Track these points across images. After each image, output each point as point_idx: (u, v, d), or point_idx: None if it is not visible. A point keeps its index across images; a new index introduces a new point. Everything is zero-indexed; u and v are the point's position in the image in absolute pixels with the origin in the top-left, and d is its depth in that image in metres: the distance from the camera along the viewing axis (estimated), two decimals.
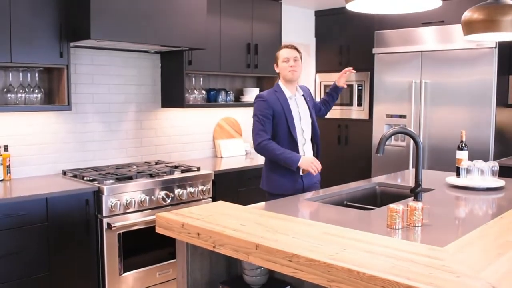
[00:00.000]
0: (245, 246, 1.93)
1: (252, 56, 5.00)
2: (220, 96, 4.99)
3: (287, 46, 3.55)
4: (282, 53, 3.52)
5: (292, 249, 1.79)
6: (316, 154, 3.63)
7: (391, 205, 2.28)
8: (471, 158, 3.66)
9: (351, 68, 3.80)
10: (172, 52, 4.50)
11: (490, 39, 3.24)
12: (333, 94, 3.84)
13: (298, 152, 3.43)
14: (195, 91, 4.78)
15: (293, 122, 3.44)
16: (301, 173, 3.45)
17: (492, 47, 4.84)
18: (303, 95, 3.58)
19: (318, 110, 3.85)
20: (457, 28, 4.98)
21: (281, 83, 3.56)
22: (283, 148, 3.37)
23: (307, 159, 3.37)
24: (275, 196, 3.34)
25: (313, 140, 3.61)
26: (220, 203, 2.59)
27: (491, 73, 4.87)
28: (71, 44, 3.78)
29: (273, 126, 3.43)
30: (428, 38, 5.24)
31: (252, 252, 1.90)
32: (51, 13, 3.60)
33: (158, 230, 2.35)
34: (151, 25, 3.83)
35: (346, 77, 3.80)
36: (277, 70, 3.58)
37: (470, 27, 3.05)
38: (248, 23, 4.99)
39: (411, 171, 4.18)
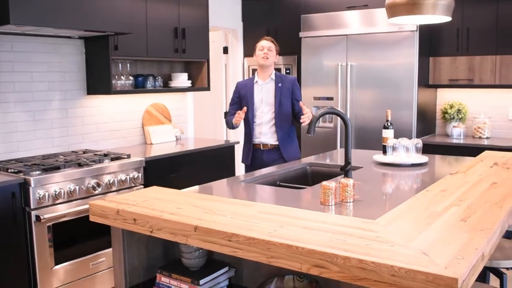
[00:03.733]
0: (183, 229, 1.92)
1: (179, 40, 4.95)
2: (148, 82, 4.91)
3: (265, 38, 4.19)
4: (260, 43, 4.15)
5: (231, 229, 1.80)
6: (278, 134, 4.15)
7: (324, 183, 2.34)
8: (395, 137, 3.82)
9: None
10: (97, 37, 4.37)
11: (412, 22, 3.37)
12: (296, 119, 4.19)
13: (252, 127, 4.14)
14: (122, 77, 4.68)
15: (253, 105, 4.11)
16: (261, 148, 4.14)
17: (413, 30, 5.04)
18: (275, 81, 4.10)
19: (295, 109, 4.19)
20: (380, 12, 5.14)
21: (256, 73, 4.20)
22: (230, 117, 4.16)
23: (234, 117, 4.02)
24: (247, 167, 4.18)
25: (277, 122, 4.10)
26: (154, 188, 2.56)
27: (412, 56, 5.08)
28: None
29: (241, 108, 4.08)
30: (352, 21, 5.38)
31: (190, 234, 1.90)
32: None
33: (92, 218, 2.29)
34: (74, 9, 3.69)
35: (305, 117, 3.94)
36: (255, 58, 4.19)
37: (393, 10, 3.16)
38: (175, 7, 4.92)
39: (339, 151, 4.30)
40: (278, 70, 6.11)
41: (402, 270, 1.41)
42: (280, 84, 4.11)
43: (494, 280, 3.31)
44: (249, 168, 4.20)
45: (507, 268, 2.54)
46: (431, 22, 3.39)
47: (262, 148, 4.15)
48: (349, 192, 2.38)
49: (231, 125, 4.15)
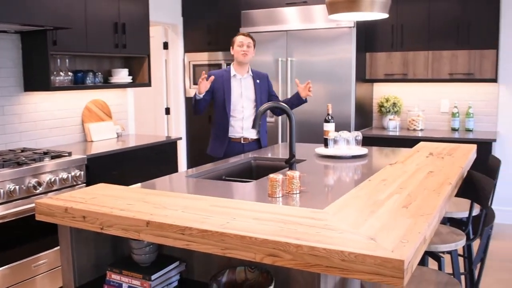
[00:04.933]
0: (135, 224, 1.93)
1: (120, 35, 4.88)
2: (88, 78, 4.83)
3: (243, 34, 4.19)
4: (238, 38, 4.14)
5: (183, 223, 1.82)
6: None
7: (271, 175, 2.40)
8: (336, 130, 3.93)
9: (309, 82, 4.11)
10: (35, 32, 4.25)
11: (351, 18, 3.48)
12: (292, 101, 4.21)
13: (229, 122, 4.13)
14: (61, 73, 4.57)
15: (230, 98, 4.12)
16: (242, 142, 4.17)
17: (351, 27, 5.19)
18: (253, 77, 4.20)
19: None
20: (319, 9, 5.26)
21: (232, 65, 4.20)
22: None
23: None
24: (217, 159, 4.01)
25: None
26: (102, 185, 2.54)
27: (350, 51, 5.23)
28: None
29: (212, 98, 4.14)
30: (292, 18, 5.48)
31: (142, 229, 1.91)
32: None
33: (39, 217, 2.25)
34: (10, 2, 3.58)
35: (307, 89, 4.08)
36: (232, 53, 4.18)
37: (334, 7, 3.26)
38: (115, 1, 4.85)
39: (281, 145, 4.38)
40: (219, 65, 6.14)
41: (352, 255, 1.48)
42: (258, 81, 4.22)
43: (432, 264, 3.48)
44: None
45: (444, 252, 2.69)
46: (370, 18, 3.52)
47: (242, 142, 4.18)
48: (295, 184, 2.45)
49: (194, 102, 4.07)
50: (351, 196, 2.19)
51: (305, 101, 4.18)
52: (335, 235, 1.64)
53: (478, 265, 2.66)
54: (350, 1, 3.13)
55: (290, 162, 2.98)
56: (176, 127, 6.55)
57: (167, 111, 6.61)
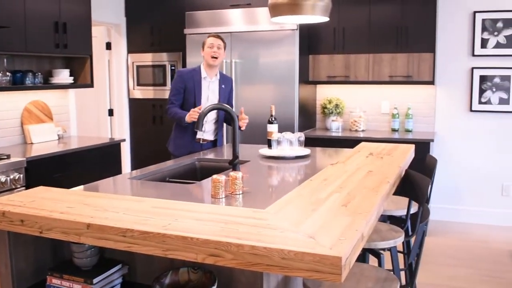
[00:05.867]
0: (75, 227, 1.90)
1: (60, 35, 4.77)
2: (27, 78, 4.69)
3: (213, 35, 4.08)
4: (208, 40, 4.04)
5: (125, 225, 1.81)
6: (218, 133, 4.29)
7: (214, 176, 2.41)
8: (279, 131, 3.99)
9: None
10: None
11: (293, 21, 3.54)
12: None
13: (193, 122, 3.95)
14: None
15: (200, 101, 4.04)
16: (201, 142, 4.15)
17: (294, 29, 5.26)
18: (219, 81, 4.14)
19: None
20: (263, 11, 5.31)
21: (202, 65, 4.09)
22: (180, 111, 3.99)
23: (188, 114, 3.89)
24: (175, 156, 4.03)
25: (219, 123, 4.22)
26: (41, 188, 2.49)
27: (293, 53, 5.31)
28: None
29: (183, 99, 4.05)
30: (236, 19, 5.51)
31: (83, 232, 1.89)
32: None
33: None
34: None
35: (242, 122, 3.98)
36: (202, 54, 4.07)
37: (276, 10, 3.30)
38: (56, 0, 4.73)
39: (226, 146, 4.39)
40: (163, 67, 6.10)
41: (292, 253, 1.51)
42: (223, 86, 4.17)
43: (373, 261, 3.58)
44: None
45: (384, 249, 2.77)
46: (311, 21, 3.58)
47: (201, 142, 4.17)
48: (238, 184, 2.47)
49: (179, 120, 3.99)
50: (293, 195, 2.23)
51: (240, 130, 4.10)
52: (276, 234, 1.67)
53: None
54: (292, 4, 3.18)
55: (234, 163, 3.00)
56: (120, 129, 6.46)
57: (111, 112, 6.51)
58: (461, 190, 5.71)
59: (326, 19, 3.40)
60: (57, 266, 2.32)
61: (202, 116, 2.98)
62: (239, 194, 2.48)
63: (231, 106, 4.34)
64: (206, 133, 4.18)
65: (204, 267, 2.01)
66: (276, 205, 2.05)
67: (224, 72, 5.56)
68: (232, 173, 2.50)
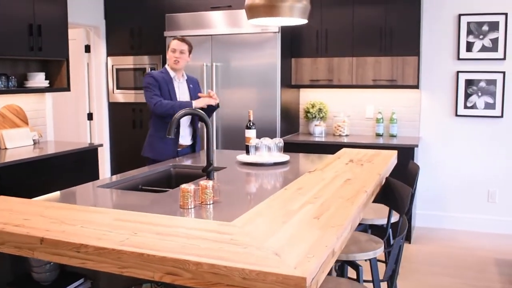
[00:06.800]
0: (28, 242, 1.77)
1: (35, 38, 4.63)
2: (1, 82, 4.54)
3: (178, 38, 4.05)
4: (172, 44, 4.02)
5: (79, 239, 1.69)
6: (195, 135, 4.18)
7: (183, 186, 2.29)
8: (261, 136, 3.88)
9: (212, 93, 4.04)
10: None
11: (271, 23, 3.42)
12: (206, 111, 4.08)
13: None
14: None
15: (176, 100, 3.99)
16: (178, 148, 4.06)
17: (275, 32, 5.16)
18: (187, 81, 4.11)
19: None
20: (244, 13, 5.19)
21: (168, 67, 4.07)
22: (173, 101, 3.93)
23: (200, 100, 3.96)
24: (155, 161, 3.87)
25: (191, 123, 4.12)
26: (0, 198, 2.36)
27: (275, 56, 5.20)
28: None
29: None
30: (217, 22, 5.39)
31: (37, 247, 1.77)
32: None
33: None
34: None
35: (212, 97, 4.02)
36: (167, 57, 4.06)
37: (252, 12, 3.19)
38: (29, 1, 4.59)
39: (204, 152, 4.27)
40: (143, 70, 5.97)
41: (253, 272, 1.40)
42: (191, 86, 4.14)
43: (352, 273, 3.47)
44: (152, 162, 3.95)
45: (366, 260, 2.66)
46: (289, 24, 3.47)
47: (178, 148, 4.07)
48: (208, 194, 2.35)
49: (179, 107, 3.79)
50: (263, 206, 2.11)
51: (218, 106, 4.09)
52: (239, 250, 1.55)
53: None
54: (269, 6, 3.07)
55: (208, 171, 2.88)
56: (99, 133, 6.31)
57: (90, 116, 6.36)
58: (446, 196, 5.62)
59: (304, 21, 3.29)
60: (16, 280, 2.20)
61: (174, 121, 2.85)
62: (209, 204, 2.36)
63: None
64: (181, 137, 4.07)
65: (168, 283, 1.89)
66: (244, 218, 1.93)
67: (204, 75, 5.45)
68: (202, 182, 2.38)
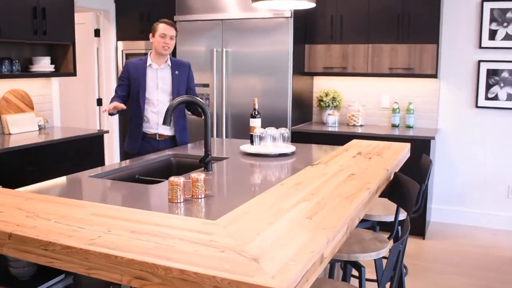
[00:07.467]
0: None
1: (39, 21, 4.51)
2: (4, 66, 4.44)
3: (167, 23, 3.79)
4: (161, 28, 3.75)
5: (48, 236, 1.56)
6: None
7: (171, 178, 2.14)
8: (271, 125, 3.71)
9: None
10: None
11: (275, 7, 3.23)
12: None
13: (144, 114, 3.79)
14: None
15: (145, 91, 3.76)
16: (157, 138, 3.83)
17: (288, 17, 4.96)
18: (171, 68, 3.83)
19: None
20: None
21: (150, 53, 3.84)
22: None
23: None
24: (132, 156, 3.67)
25: (175, 113, 3.83)
26: None
27: (287, 42, 5.01)
28: None
29: (130, 88, 3.81)
30: (228, 6, 5.22)
31: (5, 243, 1.64)
32: None
33: None
34: None
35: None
36: (151, 41, 3.81)
37: None
38: None
39: (216, 140, 4.12)
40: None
41: (225, 281, 1.24)
42: (177, 72, 3.85)
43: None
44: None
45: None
46: (295, 7, 3.30)
47: (158, 138, 3.83)
48: (199, 187, 2.20)
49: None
50: (255, 202, 1.96)
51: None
52: (215, 254, 1.40)
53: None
54: None
55: (205, 161, 2.73)
56: (109, 119, 6.20)
57: (99, 102, 6.25)
58: (464, 191, 5.40)
59: (311, 5, 3.10)
60: None
61: (171, 109, 2.70)
62: (200, 198, 2.21)
63: (193, 93, 3.98)
64: (161, 126, 3.81)
65: None
66: (231, 215, 1.78)
67: (214, 61, 5.28)
68: (193, 175, 2.22)
